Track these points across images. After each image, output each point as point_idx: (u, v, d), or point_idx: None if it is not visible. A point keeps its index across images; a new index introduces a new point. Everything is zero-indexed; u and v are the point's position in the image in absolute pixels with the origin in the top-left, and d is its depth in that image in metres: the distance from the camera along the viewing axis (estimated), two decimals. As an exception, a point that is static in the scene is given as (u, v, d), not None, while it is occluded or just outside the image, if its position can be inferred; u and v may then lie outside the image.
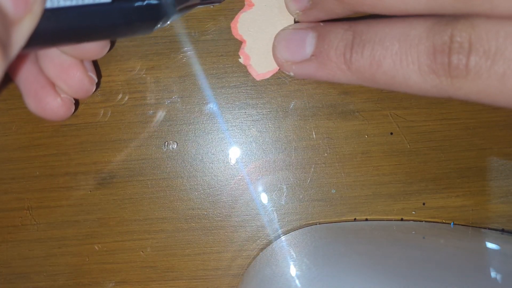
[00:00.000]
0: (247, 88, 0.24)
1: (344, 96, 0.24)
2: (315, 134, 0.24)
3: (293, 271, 0.22)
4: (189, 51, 0.23)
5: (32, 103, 0.21)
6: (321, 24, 0.20)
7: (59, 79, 0.20)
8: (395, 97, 0.24)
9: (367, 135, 0.24)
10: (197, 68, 0.23)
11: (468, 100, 0.18)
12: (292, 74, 0.21)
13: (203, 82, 0.24)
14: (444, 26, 0.17)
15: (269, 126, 0.24)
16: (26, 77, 0.21)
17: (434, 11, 0.17)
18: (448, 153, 0.24)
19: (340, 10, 0.19)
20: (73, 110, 0.22)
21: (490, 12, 0.16)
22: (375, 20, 0.19)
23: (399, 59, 0.18)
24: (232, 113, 0.24)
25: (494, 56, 0.16)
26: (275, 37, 0.21)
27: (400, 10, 0.18)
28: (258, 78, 0.23)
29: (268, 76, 0.23)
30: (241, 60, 0.22)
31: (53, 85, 0.21)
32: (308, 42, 0.20)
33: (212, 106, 0.24)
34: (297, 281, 0.22)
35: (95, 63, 0.23)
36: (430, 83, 0.17)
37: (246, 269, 0.25)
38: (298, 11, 0.21)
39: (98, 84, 0.23)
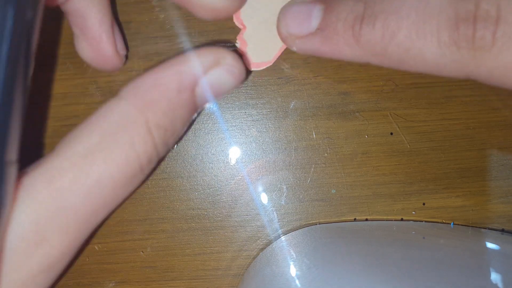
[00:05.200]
0: (247, 88, 0.24)
1: (344, 96, 0.24)
2: (315, 134, 0.24)
3: (293, 271, 0.22)
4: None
5: (89, 48, 0.20)
6: None
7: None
8: (395, 97, 0.24)
9: (367, 135, 0.24)
10: (197, 68, 0.23)
11: (489, 79, 0.16)
12: (295, 49, 0.20)
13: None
14: None
15: (269, 126, 0.24)
16: (92, 22, 0.20)
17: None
18: (448, 153, 0.24)
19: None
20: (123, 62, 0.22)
21: None
22: None
23: (415, 30, 0.16)
24: (232, 113, 0.24)
25: None
26: (281, 10, 0.20)
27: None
28: (251, 68, 0.22)
29: (262, 67, 0.22)
30: (237, 45, 0.22)
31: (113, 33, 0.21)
32: (315, 15, 0.18)
33: (212, 106, 0.24)
34: (297, 281, 0.22)
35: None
36: (450, 57, 0.16)
37: (246, 269, 0.25)
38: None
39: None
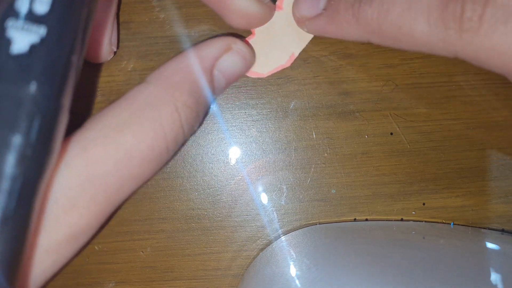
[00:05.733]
0: (247, 88, 0.24)
1: (344, 96, 0.24)
2: (315, 134, 0.24)
3: (293, 271, 0.22)
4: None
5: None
6: None
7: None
8: (395, 97, 0.24)
9: (367, 135, 0.24)
10: (197, 68, 0.23)
11: (475, 60, 0.16)
12: (306, 30, 0.21)
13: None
14: None
15: (269, 126, 0.24)
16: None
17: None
18: (448, 153, 0.24)
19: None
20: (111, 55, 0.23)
21: None
22: None
23: (407, 8, 0.16)
24: (232, 113, 0.24)
25: None
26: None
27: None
28: (249, 74, 0.23)
29: (252, 76, 0.23)
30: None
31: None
32: None
33: (212, 106, 0.24)
34: (297, 281, 0.22)
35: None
36: (438, 36, 0.16)
37: (246, 269, 0.25)
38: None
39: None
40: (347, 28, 0.19)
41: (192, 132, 0.20)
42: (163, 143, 0.18)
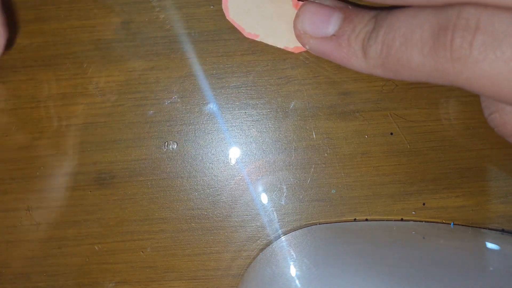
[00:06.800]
0: (247, 88, 0.24)
1: (344, 96, 0.24)
2: (315, 134, 0.24)
3: (293, 271, 0.22)
4: (189, 51, 0.23)
5: None
6: (349, 7, 0.20)
7: None
8: (395, 97, 0.24)
9: (367, 135, 0.24)
10: (197, 68, 0.23)
11: (470, 88, 0.16)
12: (307, 47, 0.21)
13: (203, 82, 0.24)
14: (453, 6, 0.16)
15: (269, 126, 0.24)
16: None
17: None
18: (448, 153, 0.24)
19: None
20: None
21: None
22: (396, 9, 0.18)
23: (404, 40, 0.17)
24: (232, 113, 0.24)
25: (504, 38, 0.14)
26: (300, 8, 0.21)
27: None
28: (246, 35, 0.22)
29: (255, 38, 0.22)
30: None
31: None
32: (333, 21, 0.20)
33: (212, 106, 0.24)
34: (297, 281, 0.22)
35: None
36: (431, 65, 0.16)
37: (246, 269, 0.25)
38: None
39: (11, 42, 0.22)
40: (353, 59, 0.19)
41: None
42: None
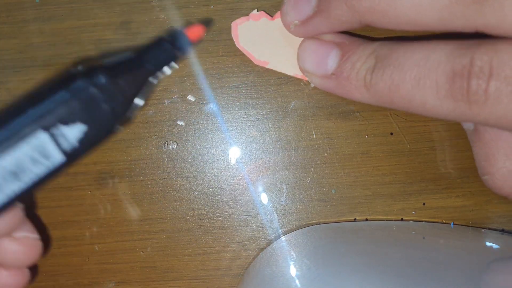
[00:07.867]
0: (247, 88, 0.24)
1: (344, 96, 0.24)
2: (315, 134, 0.24)
3: (293, 271, 0.22)
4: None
5: None
6: (346, 42, 0.20)
7: None
8: (395, 97, 0.24)
9: (367, 135, 0.24)
10: (197, 68, 0.23)
11: (488, 125, 0.17)
12: (312, 85, 0.21)
13: (203, 82, 0.24)
14: (466, 50, 0.16)
15: (269, 126, 0.24)
16: None
17: (445, 20, 0.17)
18: (448, 153, 0.24)
19: (347, 18, 0.18)
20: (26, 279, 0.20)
21: (502, 21, 0.16)
22: (397, 43, 0.18)
23: (417, 83, 0.17)
24: (232, 113, 0.24)
25: None
26: (300, 45, 0.21)
27: (412, 20, 0.17)
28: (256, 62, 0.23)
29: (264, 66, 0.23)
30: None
31: None
32: (331, 59, 0.20)
33: (212, 106, 0.24)
34: (297, 281, 0.22)
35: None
36: (448, 108, 0.17)
37: (246, 269, 0.25)
38: (296, 21, 0.20)
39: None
40: (357, 95, 0.19)
41: None
42: None
